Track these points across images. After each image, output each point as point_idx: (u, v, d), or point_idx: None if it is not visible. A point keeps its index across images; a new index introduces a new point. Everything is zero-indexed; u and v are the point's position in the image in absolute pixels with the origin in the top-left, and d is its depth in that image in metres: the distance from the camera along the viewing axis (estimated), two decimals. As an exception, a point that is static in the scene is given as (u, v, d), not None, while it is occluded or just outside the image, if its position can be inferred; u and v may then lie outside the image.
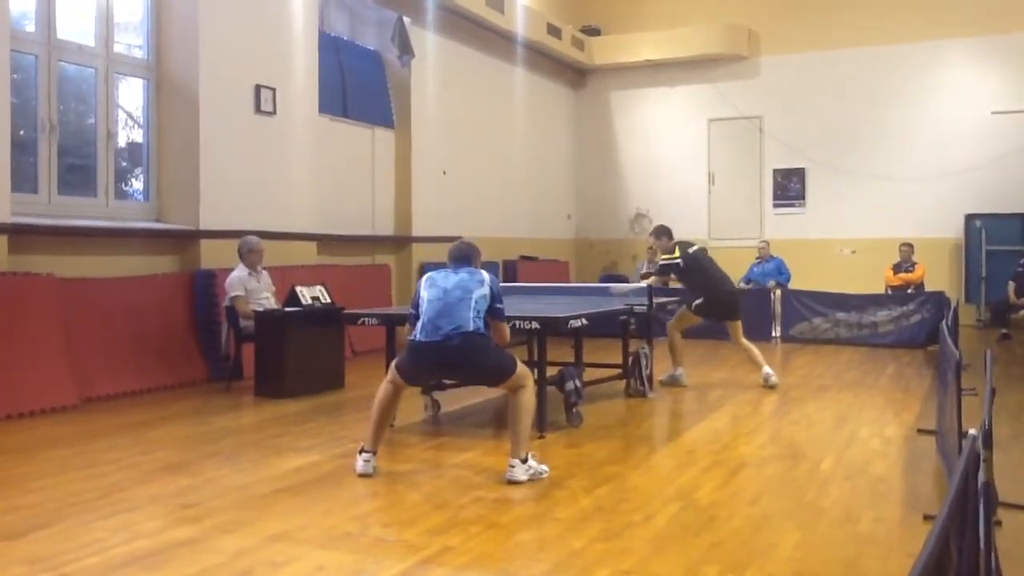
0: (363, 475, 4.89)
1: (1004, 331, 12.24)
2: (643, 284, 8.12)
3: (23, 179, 7.63)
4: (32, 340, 6.81)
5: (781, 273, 13.39)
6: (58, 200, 7.93)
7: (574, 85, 16.92)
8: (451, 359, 4.90)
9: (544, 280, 13.08)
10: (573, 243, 17.00)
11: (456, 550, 3.72)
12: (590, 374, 7.22)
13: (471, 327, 4.85)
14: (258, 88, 9.42)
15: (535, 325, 5.88)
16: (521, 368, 5.07)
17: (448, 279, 5.02)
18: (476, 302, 4.91)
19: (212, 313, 8.43)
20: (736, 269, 13.75)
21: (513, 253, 14.24)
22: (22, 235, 7.23)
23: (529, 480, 4.79)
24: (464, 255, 5.20)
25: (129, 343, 7.78)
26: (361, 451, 4.99)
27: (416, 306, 5.07)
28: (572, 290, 9.59)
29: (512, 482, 4.75)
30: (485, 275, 5.06)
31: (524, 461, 4.83)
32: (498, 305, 5.02)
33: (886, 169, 14.84)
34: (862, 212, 14.97)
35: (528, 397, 5.01)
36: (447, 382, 6.94)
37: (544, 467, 4.95)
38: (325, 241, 10.52)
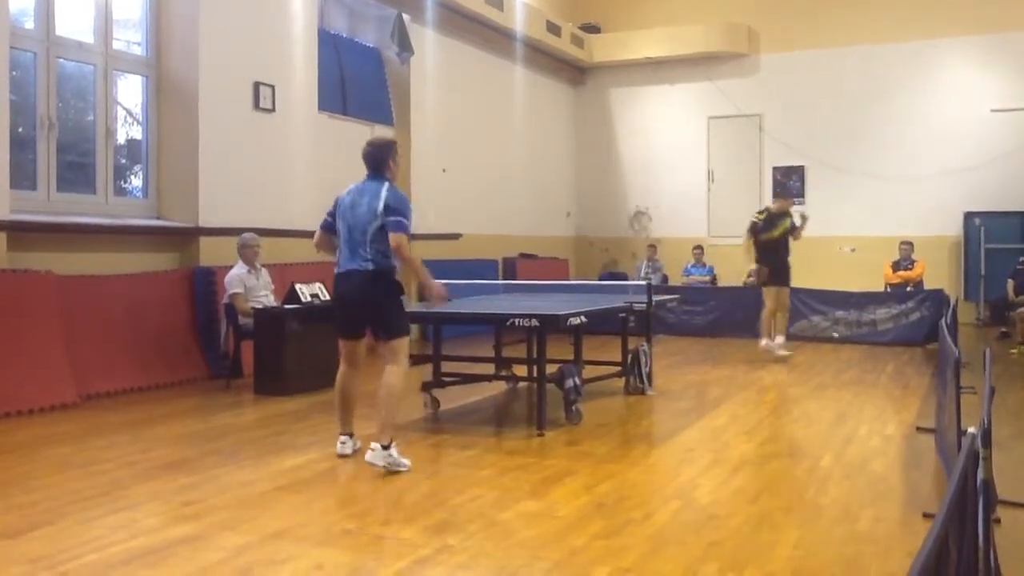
0: (341, 455, 5.27)
1: (1003, 329, 12.24)
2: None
3: (22, 176, 7.63)
4: (31, 338, 6.80)
5: None
6: (57, 197, 7.93)
7: (574, 83, 16.92)
8: (353, 293, 5.15)
9: (544, 278, 13.08)
10: (573, 241, 17.00)
11: (455, 548, 3.73)
12: (589, 372, 7.22)
13: (371, 266, 5.06)
14: (257, 85, 9.41)
15: (534, 322, 5.87)
16: (406, 341, 5.22)
17: (354, 209, 5.12)
18: (372, 238, 5.05)
19: (211, 311, 8.42)
20: (736, 267, 13.78)
21: (512, 251, 14.24)
22: (21, 232, 7.22)
23: (385, 467, 4.87)
24: (377, 161, 5.21)
25: (129, 341, 7.78)
26: (339, 435, 5.34)
27: (332, 215, 5.28)
28: (572, 287, 9.59)
29: (370, 464, 4.89)
30: (382, 196, 5.06)
31: (386, 448, 4.90)
32: (391, 218, 5.02)
33: (885, 167, 14.84)
34: (861, 210, 14.96)
35: (397, 377, 5.08)
36: (446, 380, 6.98)
37: (405, 461, 4.97)
38: (325, 238, 10.49)
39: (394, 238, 5.03)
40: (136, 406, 7.00)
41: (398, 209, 5.05)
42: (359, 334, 5.35)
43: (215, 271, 8.47)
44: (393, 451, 4.92)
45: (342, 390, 5.38)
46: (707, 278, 14.10)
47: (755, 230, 10.00)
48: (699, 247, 14.66)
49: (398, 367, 5.11)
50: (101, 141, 8.38)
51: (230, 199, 9.01)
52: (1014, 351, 10.49)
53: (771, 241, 9.97)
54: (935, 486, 4.77)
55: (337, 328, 5.40)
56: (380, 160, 5.21)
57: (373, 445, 4.95)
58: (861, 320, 11.70)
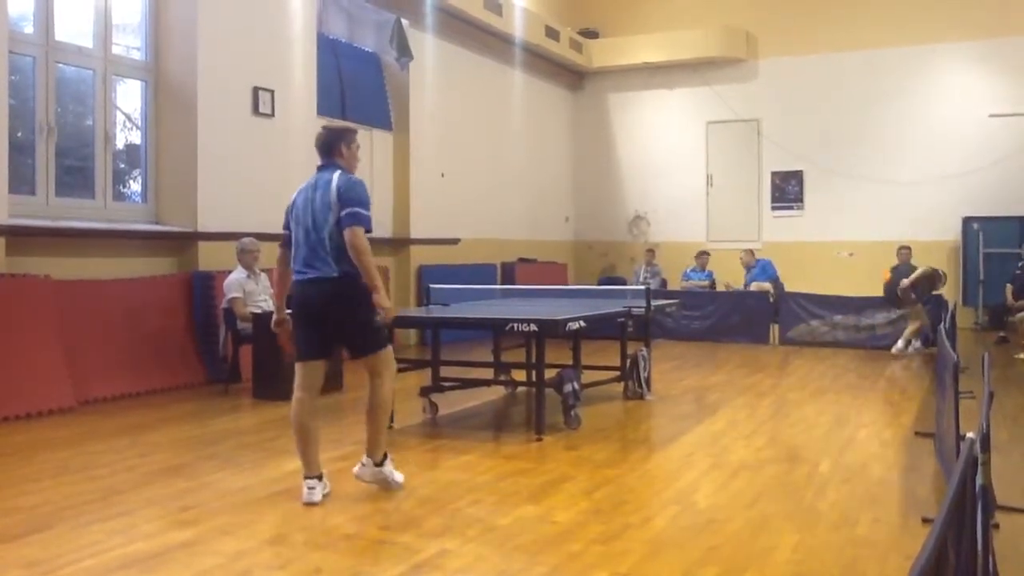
0: (308, 503, 4.43)
1: (1002, 334, 12.24)
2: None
3: (21, 181, 7.63)
4: (30, 342, 6.79)
5: (766, 272, 13.34)
6: (56, 202, 7.92)
7: (572, 87, 16.93)
8: (319, 304, 4.53)
9: (542, 282, 13.09)
10: (571, 245, 17.00)
11: (454, 553, 3.72)
12: (588, 376, 7.22)
13: (336, 272, 4.49)
14: (256, 90, 9.41)
15: (533, 327, 5.87)
16: (390, 350, 4.71)
17: (307, 208, 4.56)
18: (331, 237, 4.49)
19: (210, 315, 8.42)
20: (735, 271, 13.78)
21: (511, 255, 14.24)
22: (20, 237, 7.22)
23: (374, 483, 4.67)
24: (327, 145, 4.66)
25: (127, 345, 7.77)
26: (305, 478, 4.53)
27: (288, 225, 4.74)
28: (570, 292, 9.60)
29: (358, 478, 4.68)
30: (333, 186, 4.50)
31: (379, 465, 4.67)
32: (344, 211, 4.44)
33: (884, 172, 14.85)
34: (860, 215, 14.97)
35: (387, 389, 4.66)
36: (444, 385, 6.97)
37: (398, 478, 4.72)
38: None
39: (347, 233, 4.41)
40: (134, 410, 6.99)
41: (352, 198, 4.46)
42: (325, 354, 4.66)
43: (214, 276, 8.47)
44: (386, 468, 4.70)
45: (302, 425, 4.54)
46: (706, 283, 14.08)
47: None
48: (705, 253, 14.48)
49: (386, 381, 4.66)
50: (100, 146, 8.38)
51: (229, 203, 9.01)
52: (1021, 356, 10.42)
53: None
54: (934, 490, 4.77)
55: (297, 348, 4.63)
56: (330, 144, 4.65)
57: (364, 460, 4.71)
58: (860, 324, 11.70)
